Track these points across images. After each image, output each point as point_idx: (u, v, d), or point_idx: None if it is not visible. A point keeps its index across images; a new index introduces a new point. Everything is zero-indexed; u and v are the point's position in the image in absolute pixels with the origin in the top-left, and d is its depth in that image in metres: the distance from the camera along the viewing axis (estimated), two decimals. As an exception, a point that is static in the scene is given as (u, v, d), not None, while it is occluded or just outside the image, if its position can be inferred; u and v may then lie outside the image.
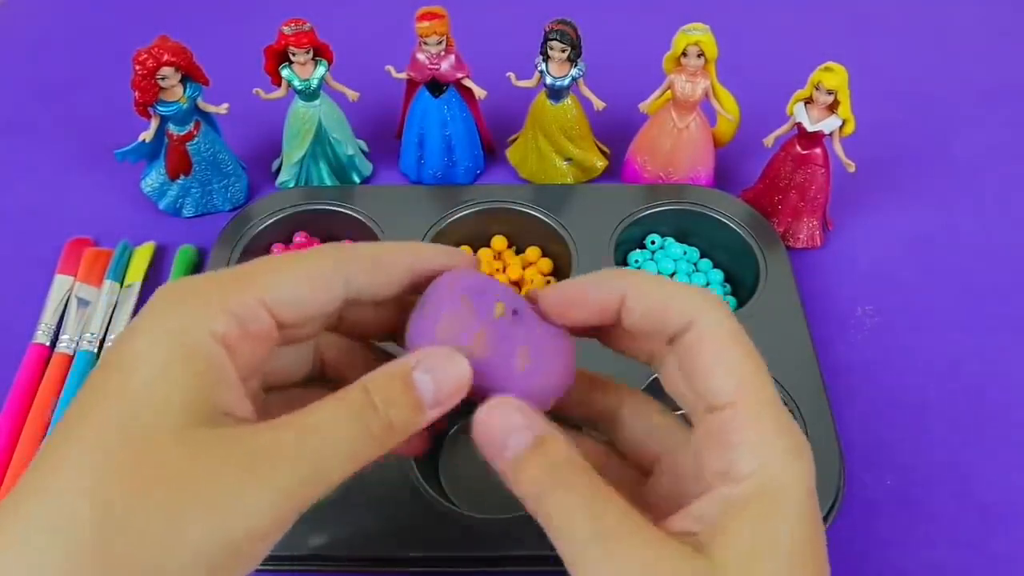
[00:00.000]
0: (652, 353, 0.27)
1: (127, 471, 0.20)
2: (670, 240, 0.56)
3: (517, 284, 0.54)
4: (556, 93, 0.56)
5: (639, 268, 0.55)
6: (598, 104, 0.57)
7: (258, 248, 0.55)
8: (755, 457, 0.23)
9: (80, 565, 0.19)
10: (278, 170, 0.60)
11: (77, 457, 0.21)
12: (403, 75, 0.57)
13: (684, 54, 0.53)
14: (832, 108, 0.51)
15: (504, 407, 0.24)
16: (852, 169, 0.54)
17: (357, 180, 0.61)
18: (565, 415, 0.29)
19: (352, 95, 0.57)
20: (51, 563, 0.19)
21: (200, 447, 0.21)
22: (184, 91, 0.53)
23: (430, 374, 0.24)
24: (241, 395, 0.24)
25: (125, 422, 0.21)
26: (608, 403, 0.29)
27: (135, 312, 0.52)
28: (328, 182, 0.59)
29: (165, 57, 0.51)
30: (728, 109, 0.55)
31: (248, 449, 0.22)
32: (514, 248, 0.56)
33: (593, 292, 0.26)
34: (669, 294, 0.25)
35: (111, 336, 0.51)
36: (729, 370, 0.24)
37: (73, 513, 0.20)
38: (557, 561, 0.24)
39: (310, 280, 0.25)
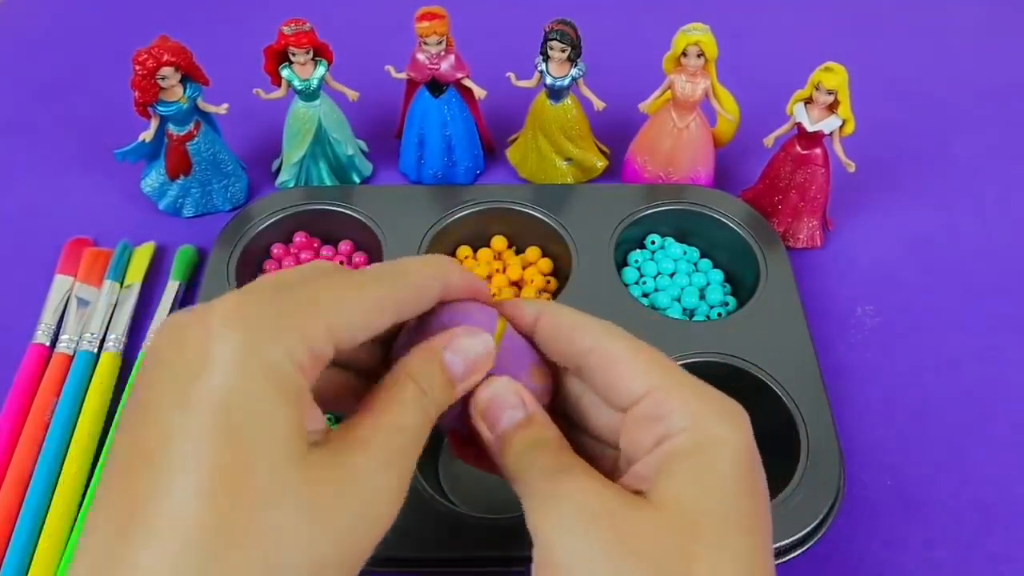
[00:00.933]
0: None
1: (240, 497, 0.20)
2: (670, 240, 0.56)
3: (517, 284, 0.54)
4: (556, 93, 0.56)
5: (639, 268, 0.55)
6: (598, 104, 0.57)
7: (258, 248, 0.55)
8: (684, 417, 0.25)
9: None
10: (278, 170, 0.60)
11: (182, 482, 0.20)
12: (403, 75, 0.57)
13: (684, 54, 0.53)
14: (832, 108, 0.51)
15: (505, 386, 0.27)
16: (852, 169, 0.54)
17: (357, 180, 0.61)
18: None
19: (352, 95, 0.57)
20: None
21: (317, 470, 0.22)
22: (184, 91, 0.53)
23: (459, 354, 0.27)
24: (318, 416, 0.24)
25: (225, 442, 0.20)
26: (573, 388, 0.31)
27: (135, 312, 0.52)
28: (328, 182, 0.59)
29: (165, 57, 0.51)
30: (728, 109, 0.55)
31: (356, 471, 0.23)
32: (514, 248, 0.56)
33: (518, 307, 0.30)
34: (573, 324, 0.29)
35: (111, 336, 0.51)
36: (637, 369, 0.27)
37: (186, 547, 0.20)
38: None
39: (373, 308, 0.25)
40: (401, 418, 0.25)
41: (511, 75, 0.57)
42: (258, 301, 0.23)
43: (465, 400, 0.28)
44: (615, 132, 0.62)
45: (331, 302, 0.24)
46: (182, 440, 0.20)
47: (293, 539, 0.20)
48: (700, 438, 0.25)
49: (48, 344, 0.51)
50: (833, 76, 0.50)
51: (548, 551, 0.24)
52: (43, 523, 0.43)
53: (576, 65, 0.54)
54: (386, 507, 0.24)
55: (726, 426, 0.25)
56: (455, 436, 0.31)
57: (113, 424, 0.47)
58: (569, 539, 0.23)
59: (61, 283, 0.53)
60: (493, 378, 0.28)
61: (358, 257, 0.56)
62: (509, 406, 0.27)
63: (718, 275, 0.55)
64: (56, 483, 0.45)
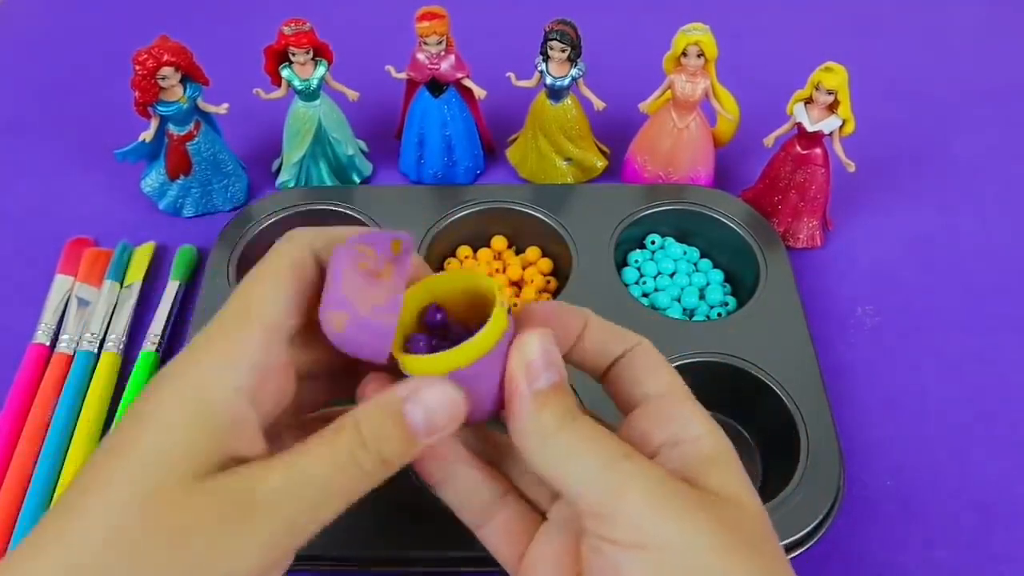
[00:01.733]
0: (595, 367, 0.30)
1: (134, 525, 0.22)
2: (670, 240, 0.56)
3: (517, 284, 0.54)
4: (556, 93, 0.56)
5: (639, 268, 0.55)
6: (598, 104, 0.57)
7: (258, 248, 0.55)
8: (698, 425, 0.27)
9: None
10: (278, 170, 0.60)
11: (92, 511, 0.22)
12: (403, 75, 0.57)
13: (684, 54, 0.53)
14: (832, 108, 0.51)
15: (553, 344, 0.26)
16: (852, 169, 0.54)
17: (357, 180, 0.61)
18: None
19: (352, 95, 0.57)
20: None
21: (200, 498, 0.22)
22: (184, 91, 0.53)
23: (421, 406, 0.24)
24: (256, 437, 0.24)
25: (136, 478, 0.22)
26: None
27: (135, 312, 0.53)
28: (328, 182, 0.59)
29: (165, 57, 0.51)
30: (728, 109, 0.55)
31: (239, 499, 0.22)
32: (514, 248, 0.56)
33: (565, 314, 0.29)
34: (612, 330, 0.29)
35: (111, 336, 0.51)
36: (660, 376, 0.28)
37: (86, 565, 0.21)
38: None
39: (295, 286, 0.26)
40: (316, 468, 0.23)
41: (511, 75, 0.57)
42: (212, 336, 0.25)
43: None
44: (615, 132, 0.62)
45: (261, 310, 0.25)
46: (100, 452, 0.23)
47: (154, 563, 0.22)
48: (719, 445, 0.26)
49: (48, 344, 0.51)
50: (833, 76, 0.50)
51: (636, 531, 0.23)
52: (43, 523, 0.43)
53: (576, 65, 0.54)
54: (259, 547, 0.22)
55: (727, 443, 0.27)
56: None
57: (113, 424, 0.47)
58: (664, 522, 0.23)
59: (61, 283, 0.53)
60: (538, 331, 0.25)
61: (358, 257, 0.56)
62: (552, 364, 0.25)
63: (718, 275, 0.54)
64: (56, 483, 0.45)
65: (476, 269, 0.54)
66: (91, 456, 0.24)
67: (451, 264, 0.55)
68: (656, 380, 0.28)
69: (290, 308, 0.25)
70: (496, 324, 0.25)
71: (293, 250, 0.26)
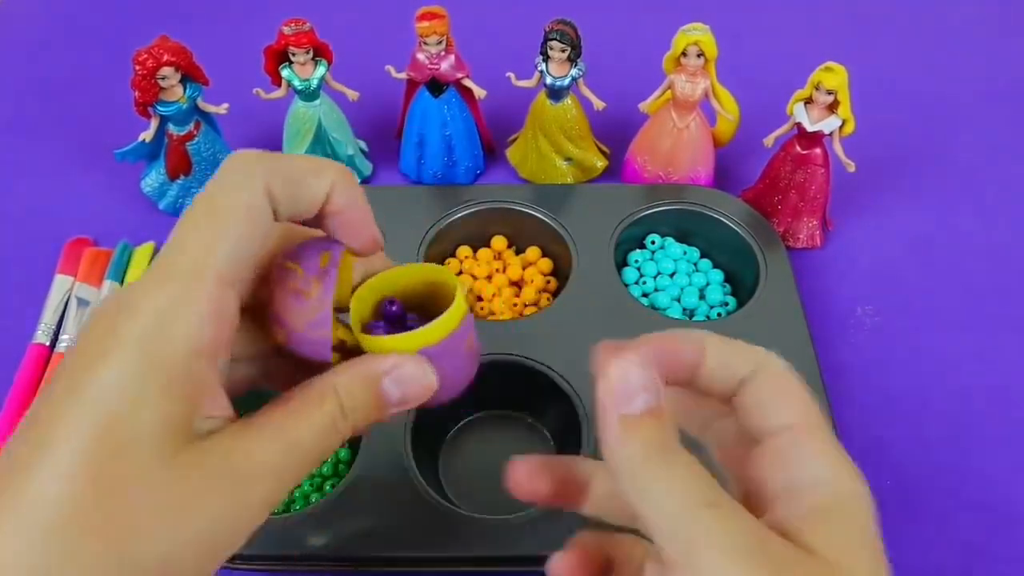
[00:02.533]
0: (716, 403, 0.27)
1: (104, 487, 0.20)
2: (670, 240, 0.56)
3: (517, 284, 0.54)
4: (556, 93, 0.56)
5: (639, 268, 0.55)
6: (598, 104, 0.57)
7: (258, 248, 0.55)
8: (821, 467, 0.24)
9: (50, 563, 0.20)
10: (278, 170, 0.60)
11: (52, 463, 0.20)
12: (403, 75, 0.57)
13: (684, 54, 0.53)
14: (832, 108, 0.51)
15: (643, 364, 0.24)
16: (852, 169, 0.54)
17: (357, 180, 0.61)
18: None
19: (352, 95, 0.57)
20: (21, 555, 0.20)
21: (185, 469, 0.22)
22: (184, 91, 0.53)
23: (398, 381, 0.25)
24: (220, 396, 0.23)
25: (101, 435, 0.21)
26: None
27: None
28: (328, 182, 0.59)
29: (165, 57, 0.51)
30: (728, 109, 0.55)
31: (234, 468, 0.22)
32: (514, 248, 0.56)
33: (679, 340, 0.26)
34: (735, 349, 0.26)
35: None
36: (788, 405, 0.25)
37: (46, 524, 0.20)
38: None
39: (250, 234, 0.24)
40: (305, 434, 0.24)
41: (511, 75, 0.57)
42: (157, 280, 0.23)
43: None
44: (615, 132, 0.62)
45: (212, 249, 0.23)
46: (64, 425, 0.21)
47: (147, 536, 0.21)
48: (842, 491, 0.24)
49: (48, 344, 0.51)
50: (833, 76, 0.50)
51: None
52: (43, 523, 0.43)
53: (576, 65, 0.54)
54: (250, 516, 0.23)
55: (860, 482, 0.24)
56: None
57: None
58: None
59: (61, 283, 0.53)
60: (630, 354, 0.24)
61: (358, 257, 0.56)
62: (644, 387, 0.23)
63: (718, 275, 0.54)
64: (56, 483, 0.45)
65: (475, 270, 0.54)
66: (48, 393, 0.22)
67: (451, 264, 0.55)
68: (783, 410, 0.25)
69: (246, 261, 0.24)
70: (458, 307, 0.26)
71: (247, 196, 0.24)
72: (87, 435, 0.21)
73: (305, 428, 0.24)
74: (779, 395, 0.25)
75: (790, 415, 0.25)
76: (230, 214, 0.24)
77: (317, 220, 0.26)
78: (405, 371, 0.25)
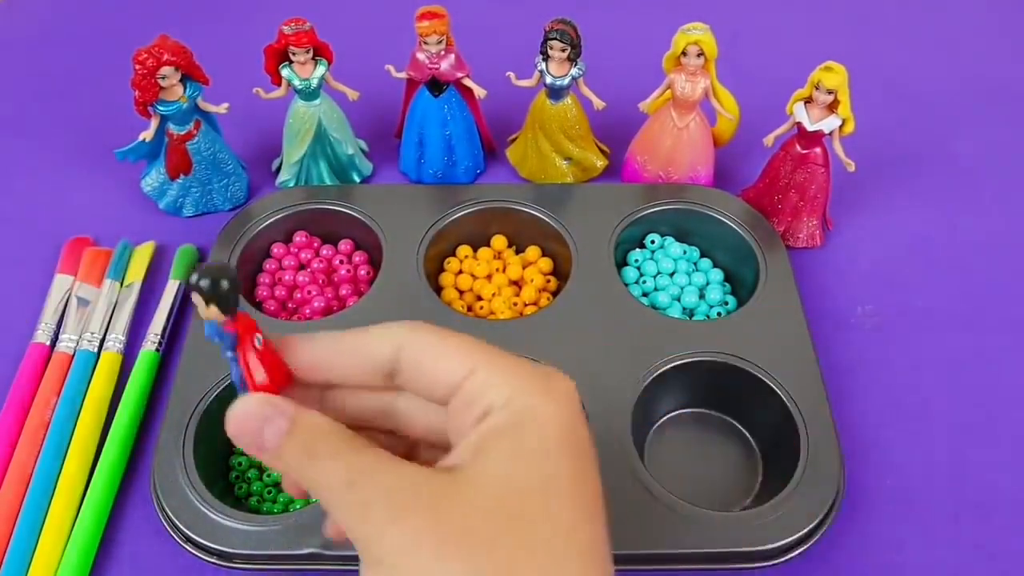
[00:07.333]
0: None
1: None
2: (670, 240, 0.56)
3: (517, 284, 0.54)
4: (556, 93, 0.56)
5: (639, 268, 0.55)
6: (598, 104, 0.57)
7: (258, 247, 0.55)
8: (501, 394, 0.25)
9: None
10: (278, 169, 0.61)
11: None
12: (403, 75, 0.57)
13: (684, 53, 0.53)
14: (832, 107, 0.51)
15: (250, 403, 0.25)
16: (852, 168, 0.54)
17: (357, 180, 0.61)
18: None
19: (352, 95, 0.57)
20: None
21: None
22: (184, 90, 0.53)
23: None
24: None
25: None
26: (382, 400, 0.29)
27: (135, 311, 0.53)
28: (328, 182, 0.59)
29: (165, 56, 0.51)
30: (728, 108, 0.55)
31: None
32: (514, 248, 0.56)
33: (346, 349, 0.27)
34: (372, 335, 0.27)
35: (111, 335, 0.51)
36: (448, 354, 0.26)
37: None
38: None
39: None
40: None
41: (511, 75, 0.57)
42: None
43: None
44: (615, 132, 0.62)
45: None
46: None
47: None
48: (517, 414, 0.24)
49: (48, 343, 0.51)
50: (833, 76, 0.50)
51: (368, 550, 0.23)
52: (44, 521, 0.43)
53: (576, 64, 0.54)
54: None
55: (543, 399, 0.25)
56: None
57: (113, 423, 0.47)
58: (387, 535, 0.23)
59: (61, 282, 0.53)
60: (238, 401, 0.26)
61: (358, 256, 0.56)
62: (266, 419, 0.25)
63: (718, 275, 0.54)
64: (56, 482, 0.45)
65: (475, 269, 0.54)
66: None
67: (451, 264, 0.55)
68: (441, 376, 0.26)
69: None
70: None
71: None
72: None
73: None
74: (438, 353, 0.26)
75: (460, 368, 0.25)
76: None
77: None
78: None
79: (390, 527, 0.23)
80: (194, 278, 0.24)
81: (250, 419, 0.25)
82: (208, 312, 0.25)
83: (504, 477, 0.23)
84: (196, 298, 0.24)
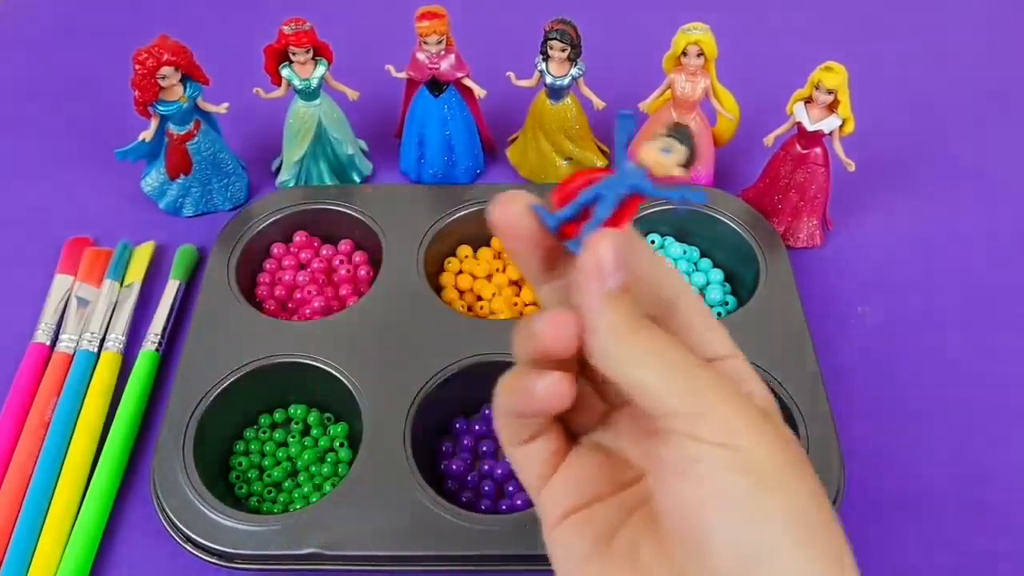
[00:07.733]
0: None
1: None
2: (670, 240, 0.56)
3: (517, 284, 0.54)
4: (556, 93, 0.56)
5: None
6: (598, 103, 0.57)
7: (258, 247, 0.55)
8: (760, 389, 0.27)
9: None
10: (278, 169, 0.61)
11: None
12: (403, 74, 0.57)
13: (684, 53, 0.53)
14: (832, 107, 0.51)
15: (624, 243, 0.25)
16: (852, 168, 0.54)
17: (357, 180, 0.61)
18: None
19: (352, 95, 0.57)
20: None
21: None
22: (184, 90, 0.53)
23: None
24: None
25: None
26: None
27: (135, 311, 0.53)
28: (328, 182, 0.59)
29: (165, 56, 0.51)
30: (728, 108, 0.55)
31: None
32: (514, 248, 0.56)
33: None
34: (665, 269, 0.28)
35: (111, 335, 0.51)
36: (720, 333, 0.28)
37: None
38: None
39: None
40: None
41: (511, 75, 0.57)
42: None
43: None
44: (615, 132, 0.62)
45: None
46: None
47: None
48: (746, 362, 0.27)
49: (48, 343, 0.51)
50: (833, 75, 0.50)
51: (726, 431, 0.23)
52: (44, 521, 0.43)
53: (576, 64, 0.54)
54: None
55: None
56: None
57: (113, 423, 0.47)
58: (748, 429, 0.24)
59: (61, 282, 0.53)
60: (611, 232, 0.25)
61: (358, 256, 0.56)
62: (622, 265, 0.25)
63: (718, 275, 0.54)
64: (56, 481, 0.45)
65: (475, 269, 0.54)
66: None
67: (451, 264, 0.55)
68: (716, 339, 0.27)
69: None
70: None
71: None
72: None
73: None
74: (710, 324, 0.28)
75: (725, 344, 0.27)
76: None
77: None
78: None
79: (751, 423, 0.23)
80: (684, 130, 0.26)
81: (614, 250, 0.24)
82: (671, 160, 0.26)
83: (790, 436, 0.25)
84: (668, 142, 0.25)
